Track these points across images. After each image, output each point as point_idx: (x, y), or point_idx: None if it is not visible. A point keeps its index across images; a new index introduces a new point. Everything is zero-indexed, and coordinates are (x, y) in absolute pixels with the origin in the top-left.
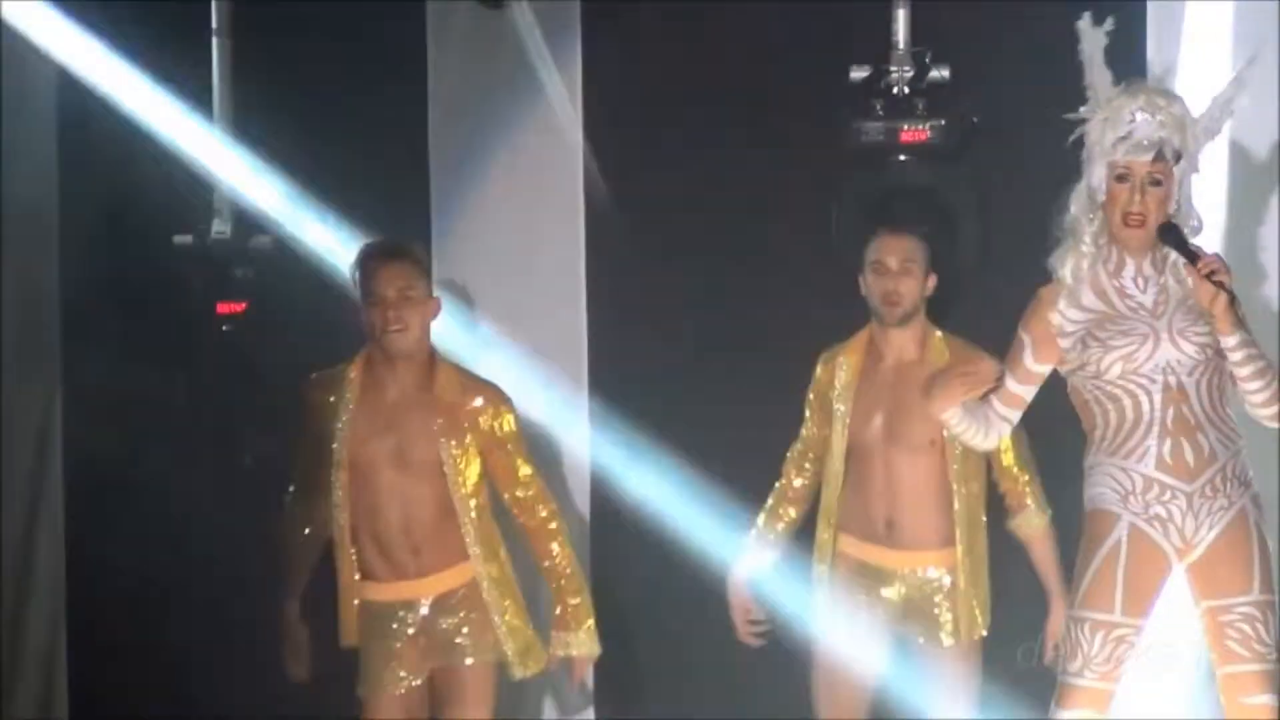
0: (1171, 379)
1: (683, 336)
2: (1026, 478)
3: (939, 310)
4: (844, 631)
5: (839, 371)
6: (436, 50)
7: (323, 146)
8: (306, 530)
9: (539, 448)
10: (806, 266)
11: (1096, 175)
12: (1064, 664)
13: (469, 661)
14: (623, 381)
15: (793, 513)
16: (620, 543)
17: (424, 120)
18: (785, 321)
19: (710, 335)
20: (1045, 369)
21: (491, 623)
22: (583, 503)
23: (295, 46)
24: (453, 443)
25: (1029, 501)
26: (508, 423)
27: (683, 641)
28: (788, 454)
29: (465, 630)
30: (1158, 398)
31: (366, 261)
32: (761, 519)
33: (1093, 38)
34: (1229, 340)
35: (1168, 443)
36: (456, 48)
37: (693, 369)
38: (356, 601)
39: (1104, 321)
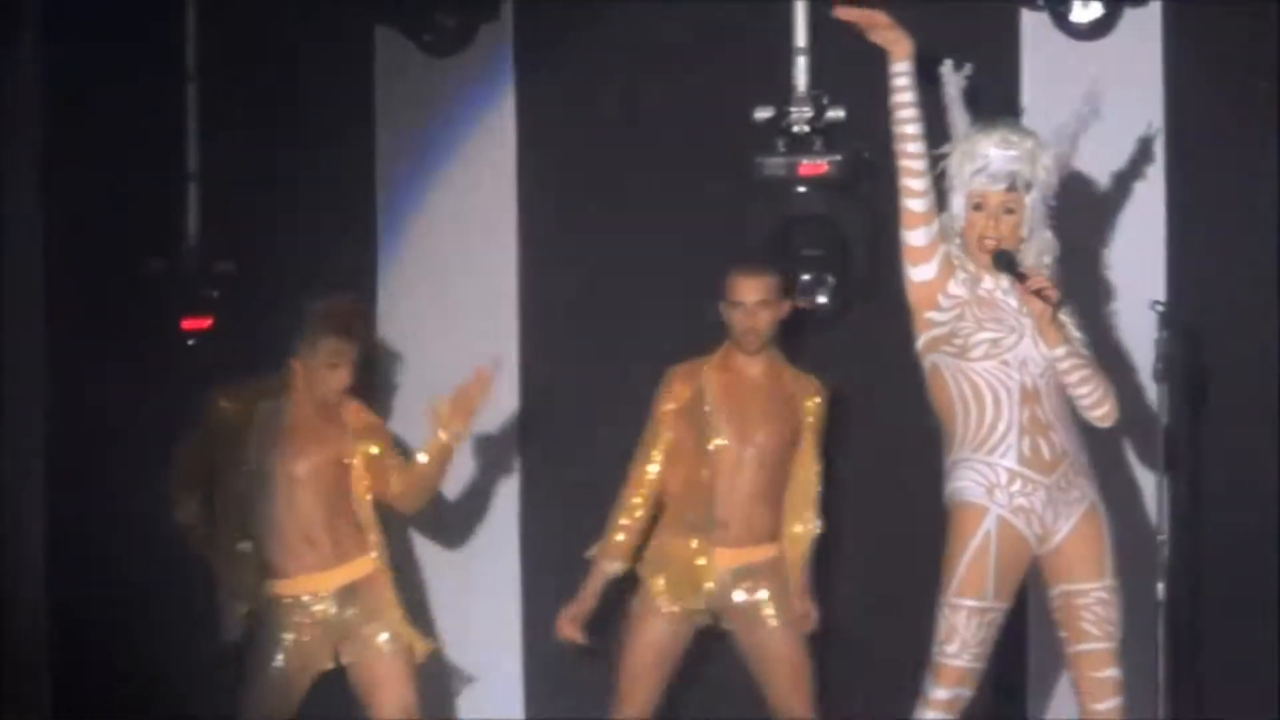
0: (1027, 379)
1: (607, 348)
2: (818, 489)
3: (833, 326)
4: (656, 625)
5: (706, 385)
6: (383, 92)
7: (282, 176)
8: (210, 530)
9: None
10: (716, 285)
11: (956, 204)
12: (940, 646)
13: (389, 648)
14: (551, 391)
15: (643, 515)
16: (550, 548)
17: (372, 154)
18: (702, 333)
19: (632, 349)
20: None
21: (396, 609)
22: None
23: (261, 89)
24: (353, 458)
25: (811, 513)
26: (378, 447)
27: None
28: (641, 466)
29: (372, 620)
30: (1016, 397)
31: (316, 320)
32: (623, 519)
33: (953, 81)
34: (1056, 351)
35: (1026, 440)
36: (402, 90)
37: (616, 380)
38: (267, 593)
39: (982, 305)
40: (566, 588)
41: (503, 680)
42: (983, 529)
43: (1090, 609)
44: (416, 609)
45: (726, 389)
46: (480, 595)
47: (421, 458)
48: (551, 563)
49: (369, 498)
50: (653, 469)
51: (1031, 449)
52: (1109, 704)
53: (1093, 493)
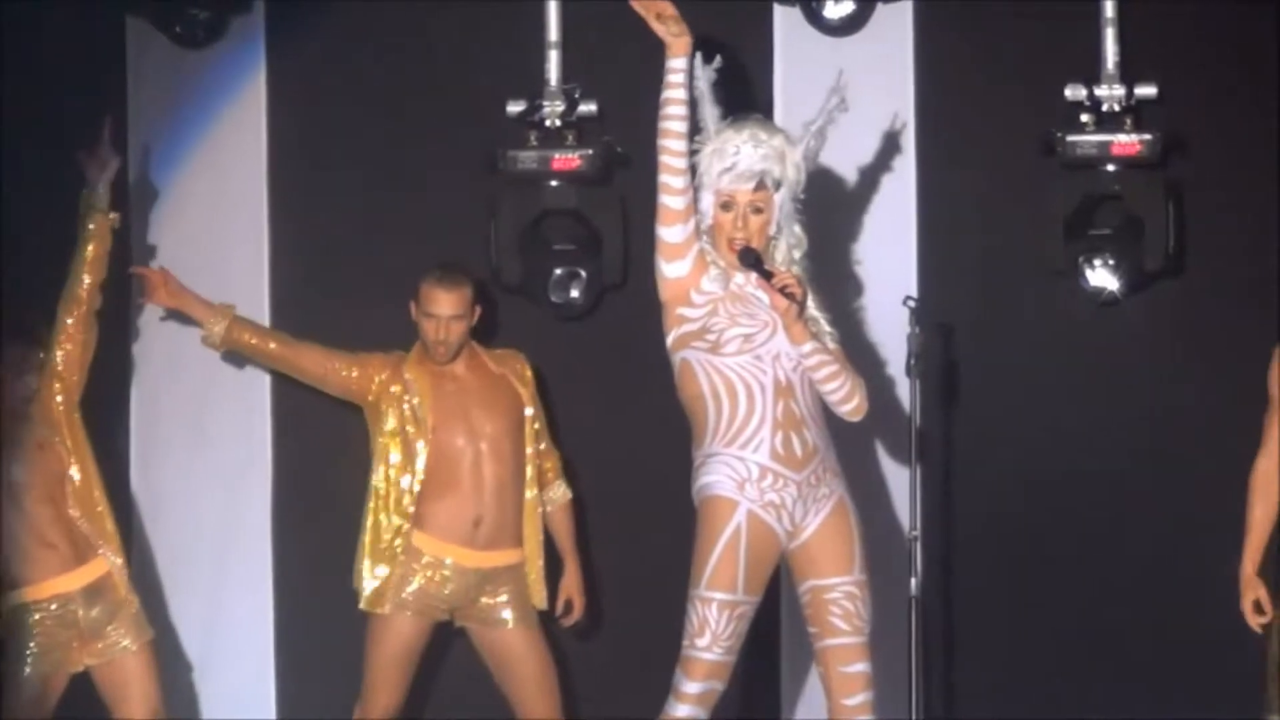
0: (780, 375)
1: (358, 342)
2: (557, 456)
3: (590, 317)
4: (398, 624)
5: (411, 387)
6: (134, 83)
7: (29, 170)
8: None
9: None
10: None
11: (705, 201)
12: (691, 639)
13: (132, 648)
14: (300, 384)
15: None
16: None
17: (125, 146)
18: None
19: (381, 344)
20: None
21: (133, 604)
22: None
23: (7, 79)
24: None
25: (557, 479)
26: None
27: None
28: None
29: (114, 618)
30: (769, 392)
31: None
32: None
33: (704, 75)
34: (803, 348)
35: (779, 435)
36: (153, 82)
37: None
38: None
39: (735, 300)
40: (319, 587)
41: (254, 680)
42: (733, 523)
43: (839, 603)
44: (163, 608)
45: (437, 387)
46: (232, 593)
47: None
48: (305, 565)
49: (96, 495)
50: (388, 470)
51: (784, 444)
52: (858, 698)
53: (841, 488)
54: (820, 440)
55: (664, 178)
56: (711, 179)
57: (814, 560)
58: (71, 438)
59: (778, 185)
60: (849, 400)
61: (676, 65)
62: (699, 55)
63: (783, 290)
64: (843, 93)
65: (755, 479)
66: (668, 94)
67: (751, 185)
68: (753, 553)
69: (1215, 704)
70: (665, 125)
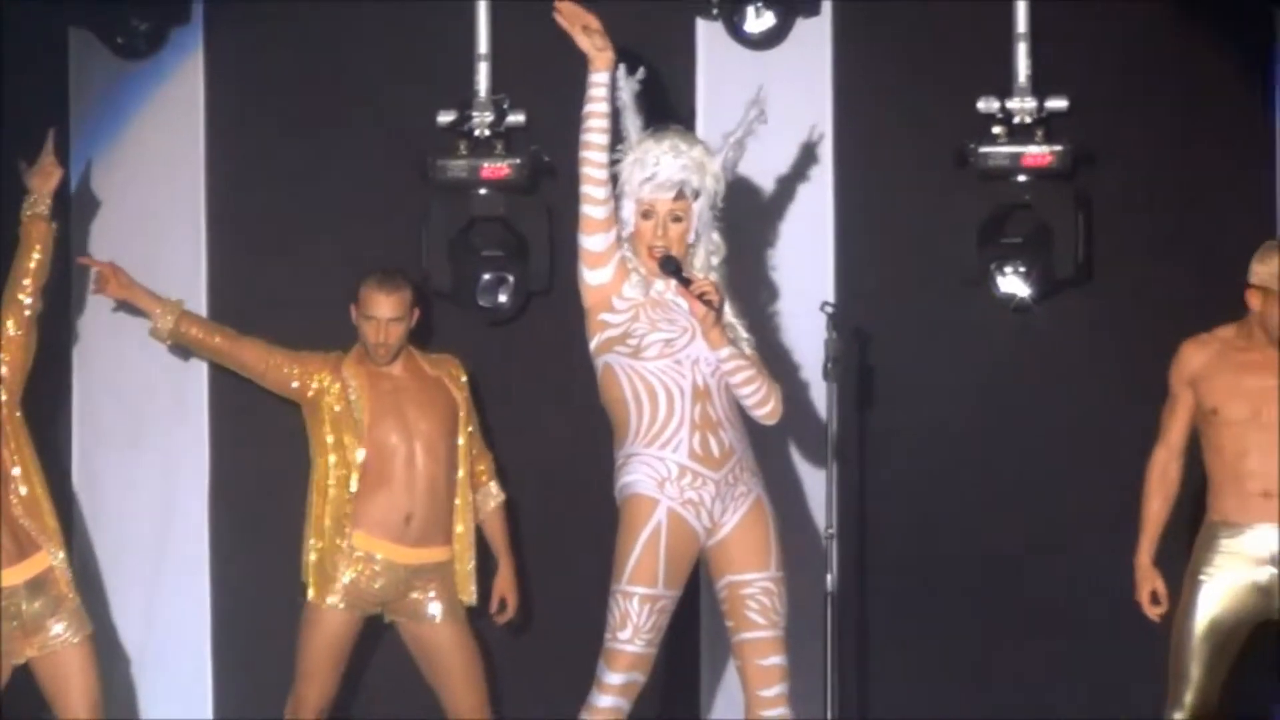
0: (699, 378)
1: (294, 344)
2: (490, 458)
3: (517, 321)
4: (328, 620)
5: (349, 385)
6: (76, 92)
7: None
8: None
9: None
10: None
11: (626, 209)
12: (613, 632)
13: (73, 640)
14: (241, 388)
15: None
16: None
17: (67, 152)
18: None
19: (317, 346)
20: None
21: (73, 598)
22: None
23: None
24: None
25: (490, 481)
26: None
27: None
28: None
29: (55, 612)
30: (688, 394)
31: None
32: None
33: (627, 86)
34: (720, 353)
35: (697, 436)
36: (95, 91)
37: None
38: None
39: (655, 306)
40: (256, 583)
41: (191, 674)
42: (654, 520)
43: (755, 598)
44: (103, 604)
45: (374, 386)
46: (170, 588)
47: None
48: (241, 561)
49: (39, 493)
50: (326, 466)
51: (702, 445)
52: (774, 690)
53: (759, 487)
54: (737, 441)
55: (585, 188)
56: (633, 188)
57: (731, 556)
58: (14, 438)
59: (696, 195)
60: (765, 404)
61: (599, 79)
62: (622, 67)
63: (701, 297)
64: (762, 105)
65: (675, 478)
66: (590, 107)
67: (671, 195)
68: (672, 549)
69: (1122, 696)
70: (587, 138)
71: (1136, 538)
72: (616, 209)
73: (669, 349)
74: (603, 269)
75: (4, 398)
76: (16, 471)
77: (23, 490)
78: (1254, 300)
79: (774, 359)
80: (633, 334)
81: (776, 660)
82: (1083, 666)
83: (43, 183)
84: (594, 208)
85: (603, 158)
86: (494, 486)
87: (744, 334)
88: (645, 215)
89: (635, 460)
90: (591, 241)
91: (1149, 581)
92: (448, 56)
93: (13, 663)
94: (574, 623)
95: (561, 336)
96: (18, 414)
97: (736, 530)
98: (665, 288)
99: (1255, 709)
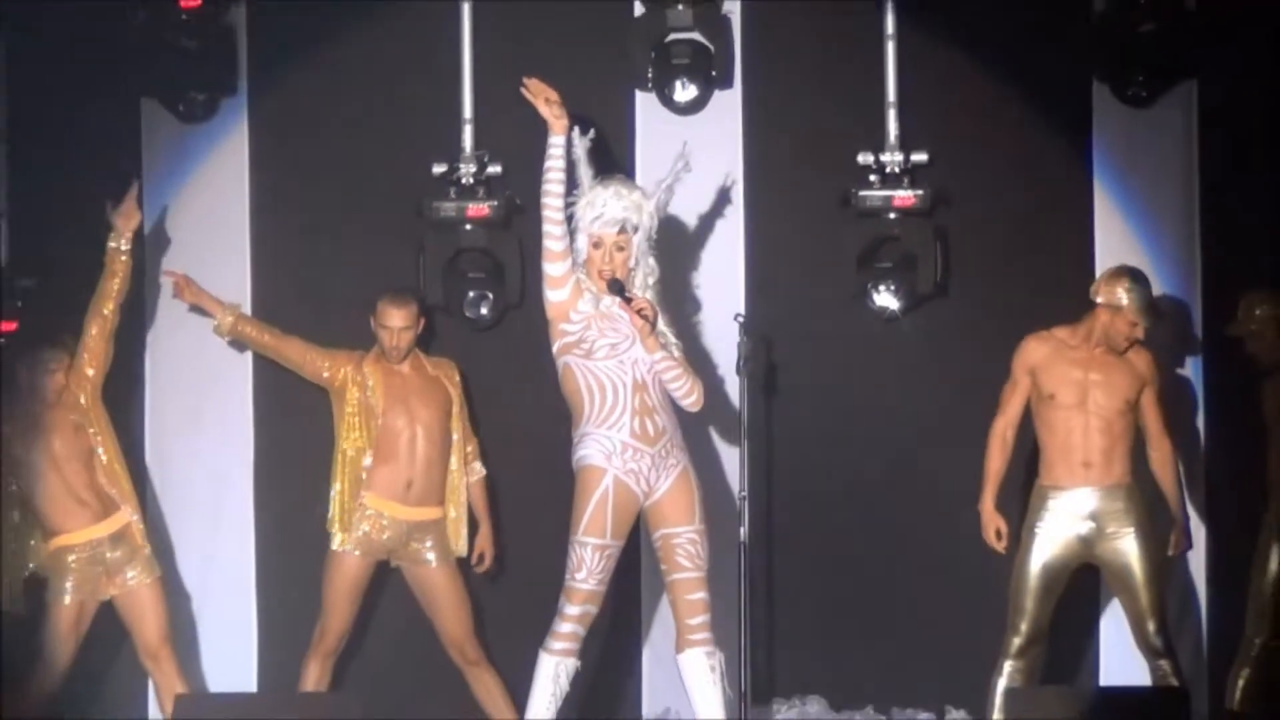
0: (638, 375)
1: (323, 340)
2: (475, 441)
3: (491, 332)
4: (346, 565)
5: (368, 379)
6: (147, 149)
7: (70, 216)
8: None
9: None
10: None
11: (580, 242)
12: (571, 574)
13: (146, 581)
14: (282, 378)
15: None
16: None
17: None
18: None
19: (346, 338)
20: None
21: (146, 549)
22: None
23: (56, 145)
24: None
25: (475, 460)
26: (94, 423)
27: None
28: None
29: (131, 560)
30: (629, 387)
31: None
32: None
33: (579, 144)
34: (654, 356)
35: (637, 420)
36: (161, 148)
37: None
38: (52, 547)
39: (603, 319)
40: (290, 538)
41: (239, 608)
42: (603, 485)
43: (683, 547)
44: (169, 552)
45: (387, 380)
46: (222, 541)
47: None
48: (279, 520)
49: (118, 466)
50: (347, 441)
51: (640, 427)
52: (699, 619)
53: (685, 460)
54: (668, 424)
55: (546, 227)
56: (585, 224)
57: (665, 514)
58: (96, 423)
59: (636, 229)
60: (690, 395)
61: (556, 141)
62: (576, 129)
63: (639, 312)
64: (686, 158)
65: (619, 452)
66: (549, 164)
67: (615, 230)
68: (617, 508)
69: (958, 617)
70: (546, 188)
71: (981, 493)
72: (571, 242)
73: (614, 352)
74: (561, 290)
75: (87, 391)
76: (101, 449)
77: (105, 462)
78: (1103, 315)
79: (697, 359)
80: (585, 340)
81: (700, 596)
82: (941, 609)
83: (125, 223)
84: (553, 242)
85: (560, 203)
86: (478, 465)
87: (673, 339)
88: (595, 245)
89: (588, 438)
90: (552, 268)
91: (993, 522)
92: (440, 122)
93: (100, 598)
94: (540, 571)
95: (531, 342)
96: (99, 404)
97: (668, 493)
98: (611, 303)
99: (1075, 635)
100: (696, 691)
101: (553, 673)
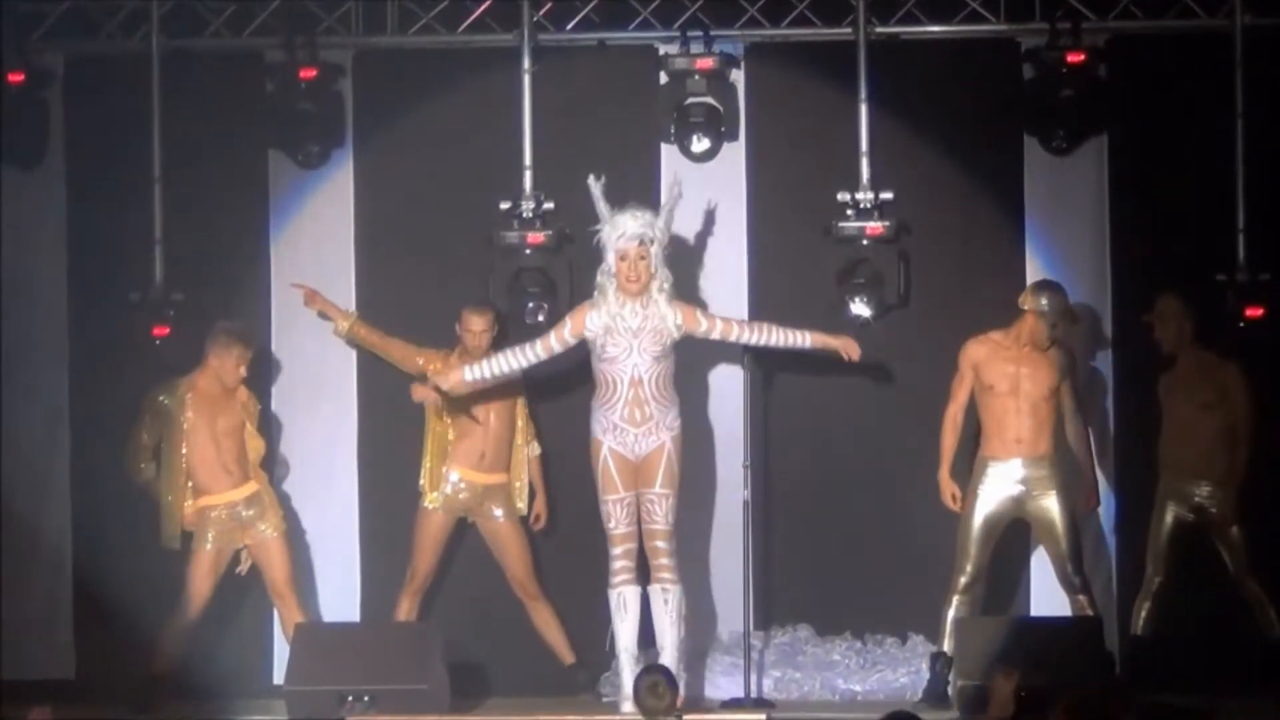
0: (636, 373)
1: (418, 334)
2: (533, 424)
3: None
4: (432, 520)
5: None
6: (275, 192)
7: (214, 237)
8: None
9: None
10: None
11: (609, 257)
12: (606, 525)
13: (273, 534)
14: (384, 369)
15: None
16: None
17: (266, 232)
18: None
19: (436, 339)
20: (572, 341)
21: (277, 510)
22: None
23: (203, 187)
24: (247, 419)
25: (533, 440)
26: (255, 416)
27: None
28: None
29: (263, 518)
30: (627, 380)
31: (225, 335)
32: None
33: (596, 187)
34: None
35: (629, 408)
36: (285, 191)
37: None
38: (198, 505)
39: (614, 330)
40: (388, 500)
41: (345, 557)
42: (602, 455)
43: (651, 503)
44: (292, 513)
45: None
46: (332, 502)
47: None
48: (378, 486)
49: (259, 444)
50: (435, 421)
51: (630, 413)
52: (659, 561)
53: (668, 438)
54: (657, 411)
55: (524, 363)
56: (611, 243)
57: (641, 477)
58: (247, 408)
59: (652, 241)
60: (797, 336)
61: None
62: (592, 176)
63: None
64: (679, 186)
65: (612, 429)
66: (499, 358)
67: (636, 243)
68: (618, 470)
69: (940, 575)
70: (508, 364)
71: (939, 465)
72: (602, 256)
73: (617, 357)
74: (567, 347)
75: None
76: (248, 426)
77: (249, 439)
78: (1030, 320)
79: (706, 354)
80: (599, 348)
81: (661, 544)
82: (900, 543)
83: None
84: (539, 357)
85: (522, 360)
86: (535, 444)
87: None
88: (622, 258)
89: (594, 415)
90: (559, 345)
91: (949, 488)
92: (505, 167)
93: (235, 547)
94: (582, 527)
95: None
96: (253, 394)
97: (645, 461)
98: (620, 318)
99: (1010, 575)
100: (655, 616)
101: (618, 602)
